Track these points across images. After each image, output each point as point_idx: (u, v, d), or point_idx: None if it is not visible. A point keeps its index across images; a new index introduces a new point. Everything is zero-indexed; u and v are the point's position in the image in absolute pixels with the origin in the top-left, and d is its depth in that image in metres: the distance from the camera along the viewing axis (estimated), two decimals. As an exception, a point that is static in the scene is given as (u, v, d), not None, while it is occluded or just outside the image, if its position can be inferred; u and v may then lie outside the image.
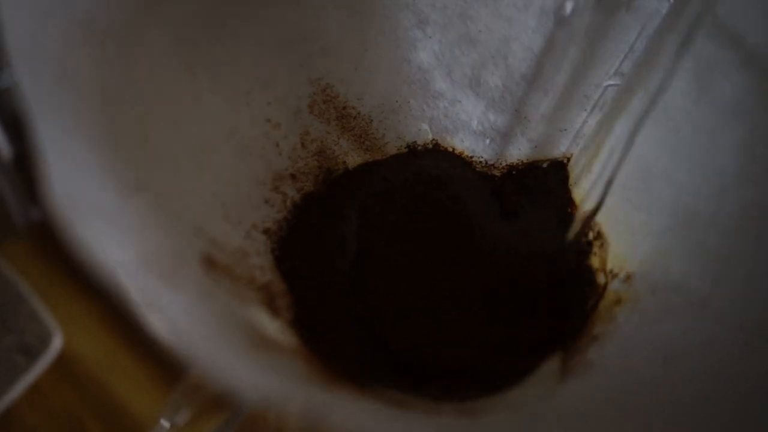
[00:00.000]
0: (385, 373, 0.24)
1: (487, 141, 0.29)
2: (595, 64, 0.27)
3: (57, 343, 0.45)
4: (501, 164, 0.29)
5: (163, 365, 0.45)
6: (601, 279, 0.26)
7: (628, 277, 0.24)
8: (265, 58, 0.27)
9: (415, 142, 0.30)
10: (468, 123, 0.29)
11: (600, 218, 0.27)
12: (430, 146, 0.29)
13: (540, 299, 0.25)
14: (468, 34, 0.28)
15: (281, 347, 0.21)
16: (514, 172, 0.29)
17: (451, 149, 0.30)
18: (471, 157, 0.29)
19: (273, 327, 0.23)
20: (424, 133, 0.30)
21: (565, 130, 0.29)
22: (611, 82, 0.28)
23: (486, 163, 0.29)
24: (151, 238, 0.19)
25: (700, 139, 0.23)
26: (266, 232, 0.27)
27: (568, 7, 0.27)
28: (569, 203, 0.28)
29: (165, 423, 0.27)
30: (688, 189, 0.23)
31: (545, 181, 0.29)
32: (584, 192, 0.27)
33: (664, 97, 0.25)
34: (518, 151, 0.29)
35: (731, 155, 0.22)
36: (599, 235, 0.26)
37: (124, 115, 0.22)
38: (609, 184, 0.26)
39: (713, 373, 0.18)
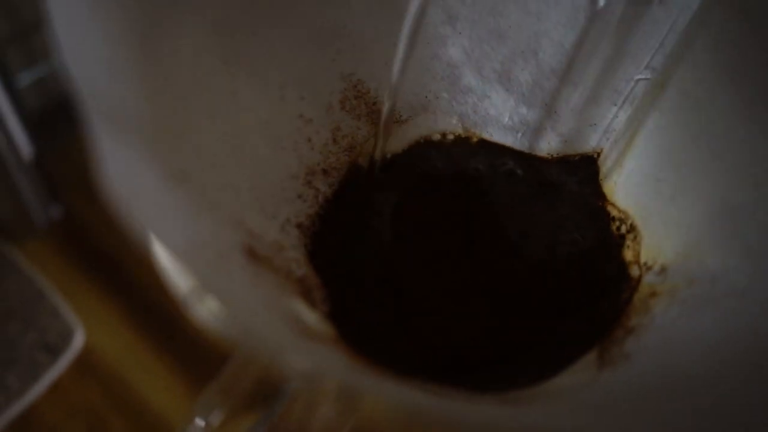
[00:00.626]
0: (422, 365, 0.24)
1: (519, 135, 0.29)
2: (625, 59, 0.28)
3: (78, 341, 0.45)
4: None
5: (184, 361, 0.45)
6: (635, 272, 0.26)
7: (663, 270, 0.25)
8: (299, 52, 0.27)
9: (445, 135, 0.30)
10: (497, 118, 0.29)
11: (633, 211, 0.27)
12: (461, 140, 0.30)
13: (574, 292, 0.26)
14: (497, 30, 0.28)
15: (322, 338, 0.22)
16: (545, 166, 0.29)
17: (481, 143, 0.30)
18: (502, 150, 0.29)
19: (312, 318, 0.23)
20: (454, 128, 0.30)
21: (596, 124, 0.29)
22: (642, 76, 0.28)
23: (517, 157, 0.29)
24: (198, 226, 0.19)
25: (735, 131, 0.24)
26: (299, 226, 0.27)
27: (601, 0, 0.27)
28: (600, 197, 0.28)
29: (200, 422, 0.27)
30: (723, 180, 0.23)
31: (576, 176, 0.29)
32: (615, 186, 0.27)
33: (697, 89, 0.25)
34: (548, 146, 0.29)
35: (765, 148, 0.22)
36: (632, 228, 0.26)
37: (165, 107, 0.22)
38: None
39: (756, 363, 0.18)
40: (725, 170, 0.24)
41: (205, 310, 0.16)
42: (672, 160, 0.25)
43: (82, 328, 0.45)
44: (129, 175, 0.17)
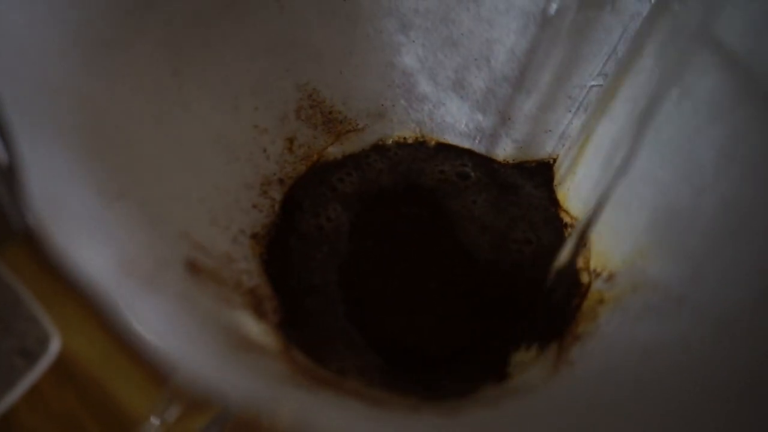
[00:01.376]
0: (370, 373, 0.24)
1: (475, 141, 0.29)
2: (578, 65, 0.28)
3: (55, 346, 0.45)
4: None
5: (159, 366, 0.45)
6: (585, 278, 0.26)
7: (611, 277, 0.25)
8: (252, 63, 0.27)
9: (403, 143, 0.30)
10: (453, 125, 0.30)
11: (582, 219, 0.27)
12: (418, 147, 0.30)
13: (524, 299, 0.26)
14: (451, 38, 0.28)
15: (265, 350, 0.22)
16: (500, 172, 0.29)
17: (438, 147, 0.30)
18: (458, 153, 0.29)
19: (258, 330, 0.23)
20: (410, 135, 0.30)
21: (551, 130, 0.29)
22: (595, 83, 0.28)
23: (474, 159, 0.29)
24: (133, 244, 0.19)
25: (681, 139, 0.24)
26: (254, 236, 0.27)
27: (553, 7, 0.27)
28: (554, 203, 0.28)
29: (155, 420, 0.27)
30: (669, 188, 0.24)
31: (531, 180, 0.29)
32: (568, 193, 0.28)
33: (644, 98, 0.25)
34: (504, 152, 0.30)
35: (711, 155, 0.23)
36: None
37: (108, 121, 0.22)
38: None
39: (689, 368, 0.19)
40: (669, 177, 0.24)
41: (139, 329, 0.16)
42: (620, 167, 0.25)
43: (59, 334, 0.45)
44: (58, 194, 0.18)
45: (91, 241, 0.17)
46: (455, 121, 0.30)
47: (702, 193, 0.22)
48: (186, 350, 0.16)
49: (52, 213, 0.17)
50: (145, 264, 0.18)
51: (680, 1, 0.24)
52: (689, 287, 0.21)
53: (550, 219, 0.28)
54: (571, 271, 0.26)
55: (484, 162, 0.30)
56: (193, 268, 0.22)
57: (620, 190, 0.25)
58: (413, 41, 0.29)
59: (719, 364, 0.18)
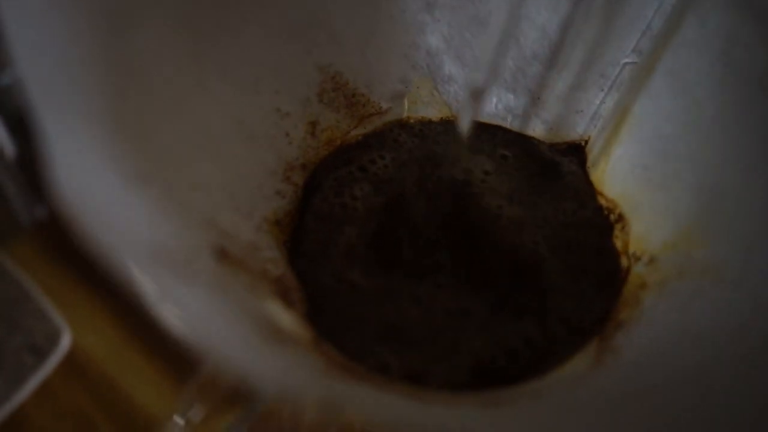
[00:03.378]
0: (402, 367, 0.23)
1: (506, 122, 0.28)
2: (611, 42, 0.27)
3: (65, 342, 0.44)
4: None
5: (173, 362, 0.45)
6: (624, 262, 0.25)
7: (652, 260, 0.24)
8: (273, 45, 0.26)
9: (429, 123, 0.29)
10: (481, 106, 0.29)
11: (620, 200, 0.26)
12: (443, 129, 0.29)
13: (562, 285, 0.25)
14: (477, 16, 0.27)
15: (297, 340, 0.21)
16: (530, 155, 0.28)
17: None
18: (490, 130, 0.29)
19: (288, 319, 0.22)
20: (435, 117, 0.29)
21: (582, 111, 0.28)
22: (629, 60, 0.27)
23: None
24: (163, 230, 0.18)
25: (725, 117, 0.23)
26: (278, 223, 0.26)
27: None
28: (587, 186, 0.27)
29: (179, 420, 0.26)
30: (713, 168, 0.23)
31: (562, 164, 0.28)
32: (603, 175, 0.27)
33: (687, 74, 0.24)
34: (534, 133, 0.29)
35: (757, 133, 0.22)
36: (620, 218, 0.26)
37: (129, 105, 0.21)
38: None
39: (747, 356, 0.18)
40: (714, 156, 0.23)
41: (170, 318, 0.15)
42: (660, 147, 0.24)
43: (69, 330, 0.44)
44: (84, 179, 0.17)
45: (121, 226, 0.16)
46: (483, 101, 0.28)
47: (749, 173, 0.21)
48: (218, 339, 0.15)
49: (79, 197, 0.16)
50: (175, 250, 0.17)
51: (723, -28, 0.23)
52: (743, 271, 0.20)
53: (588, 200, 0.27)
54: (609, 253, 0.25)
55: (518, 139, 0.29)
56: (222, 255, 0.21)
57: (660, 171, 0.24)
58: (438, 20, 0.28)
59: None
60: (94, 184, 0.17)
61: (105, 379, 0.44)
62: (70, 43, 0.19)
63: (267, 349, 0.18)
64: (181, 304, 0.15)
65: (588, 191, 0.27)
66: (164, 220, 0.19)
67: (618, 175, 0.26)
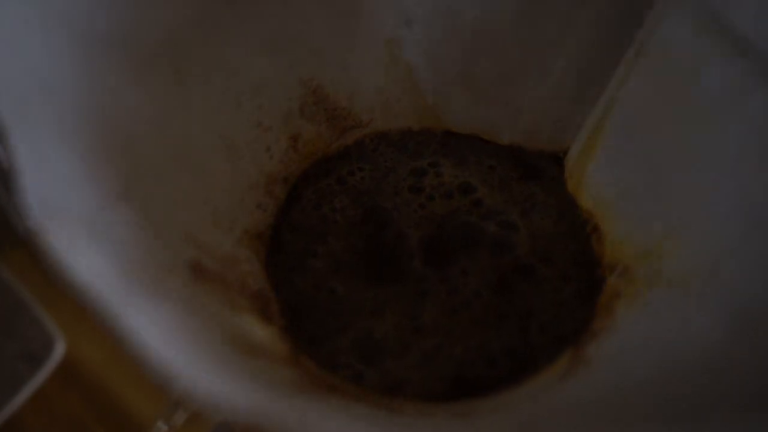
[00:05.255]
0: (378, 378, 0.23)
1: (488, 132, 0.29)
2: (587, 54, 0.27)
3: (60, 350, 0.45)
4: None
5: (161, 376, 0.45)
6: (599, 273, 0.25)
7: (626, 271, 0.24)
8: (254, 60, 0.27)
9: (410, 134, 0.29)
10: (460, 116, 0.29)
11: (596, 210, 0.26)
12: (423, 140, 0.29)
13: (543, 295, 0.25)
14: (455, 28, 0.28)
15: (272, 355, 0.21)
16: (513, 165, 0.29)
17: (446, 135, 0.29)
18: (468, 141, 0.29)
19: (265, 334, 0.22)
20: (416, 128, 0.29)
21: (560, 121, 0.28)
22: (606, 72, 0.27)
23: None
24: (137, 247, 0.19)
25: (695, 130, 0.23)
26: (259, 236, 0.26)
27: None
28: (566, 197, 0.27)
29: (162, 425, 0.27)
30: (683, 180, 0.23)
31: (545, 174, 0.28)
32: (578, 186, 0.27)
33: (657, 88, 0.24)
34: (514, 143, 0.29)
35: (726, 145, 0.22)
36: (595, 228, 0.26)
37: (109, 121, 0.22)
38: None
39: (710, 367, 0.18)
40: (684, 170, 0.23)
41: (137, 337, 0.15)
42: (631, 159, 0.25)
43: (63, 338, 0.45)
44: (57, 199, 0.17)
45: (92, 244, 0.17)
46: (462, 112, 0.29)
47: (719, 185, 0.22)
48: (189, 359, 0.15)
49: (50, 216, 0.16)
50: (148, 268, 0.18)
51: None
52: (708, 283, 0.20)
53: (563, 214, 0.27)
54: (588, 264, 0.26)
55: (500, 150, 0.29)
56: (198, 270, 0.21)
57: (631, 183, 0.25)
58: (417, 34, 0.28)
59: (740, 363, 0.17)
60: (68, 201, 0.17)
61: (99, 386, 0.45)
62: (48, 62, 0.20)
63: (239, 366, 0.18)
64: (151, 323, 0.16)
65: (568, 201, 0.27)
66: (140, 237, 0.19)
67: (593, 185, 0.26)
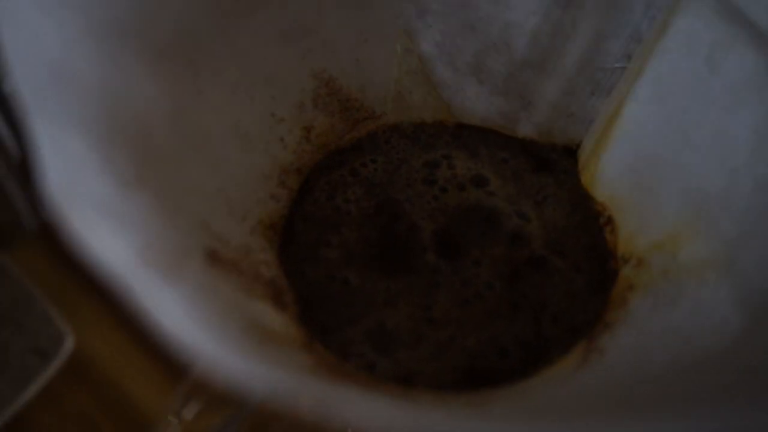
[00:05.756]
0: (391, 369, 0.23)
1: (501, 126, 0.29)
2: (600, 47, 0.27)
3: (69, 345, 0.45)
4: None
5: (177, 364, 0.45)
6: (612, 264, 0.25)
7: (640, 262, 0.24)
8: (268, 51, 0.27)
9: (422, 126, 0.29)
10: (473, 110, 0.29)
11: (609, 203, 0.26)
12: (435, 132, 0.29)
13: (556, 287, 0.25)
14: (468, 22, 0.28)
15: (288, 341, 0.21)
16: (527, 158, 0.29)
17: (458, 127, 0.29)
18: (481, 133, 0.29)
19: (280, 321, 0.22)
20: (429, 121, 0.29)
21: (573, 114, 0.28)
22: (618, 65, 0.27)
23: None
24: (154, 233, 0.19)
25: (711, 120, 0.23)
26: (272, 227, 0.26)
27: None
28: (579, 189, 0.27)
29: (173, 419, 0.27)
30: (698, 170, 0.23)
31: (558, 166, 0.28)
32: (592, 179, 0.27)
33: (672, 80, 0.24)
34: (527, 136, 0.29)
35: (743, 135, 0.22)
36: (609, 221, 0.26)
37: (125, 109, 0.22)
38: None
39: (724, 355, 0.18)
40: (700, 159, 0.23)
41: (158, 320, 0.15)
42: (647, 150, 0.25)
43: (73, 332, 0.45)
44: (76, 184, 0.17)
45: (109, 229, 0.17)
46: (474, 106, 0.29)
47: (735, 175, 0.22)
48: (208, 340, 0.15)
49: (69, 201, 0.16)
50: (165, 253, 0.18)
51: (707, -23, 0.23)
52: (724, 273, 0.20)
53: (576, 206, 0.27)
54: (601, 256, 0.26)
55: (513, 143, 0.29)
56: (213, 257, 0.21)
57: (646, 174, 0.25)
58: (430, 26, 0.28)
59: (755, 351, 0.17)
60: (86, 189, 0.17)
61: (109, 382, 0.45)
62: (65, 51, 0.20)
63: (256, 350, 0.18)
64: (168, 306, 0.16)
65: (581, 194, 0.27)
66: (156, 223, 0.19)
67: (607, 178, 0.26)
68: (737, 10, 0.23)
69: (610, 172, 0.26)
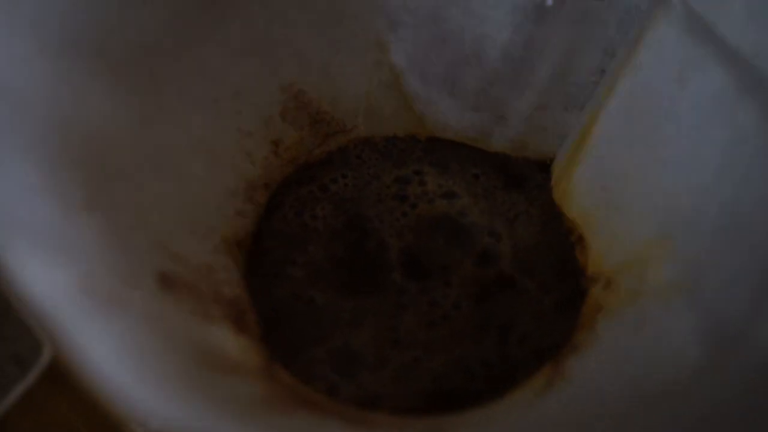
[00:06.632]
0: (354, 392, 0.23)
1: (473, 140, 0.28)
2: (574, 62, 0.27)
3: (48, 353, 0.45)
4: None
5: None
6: (582, 284, 0.25)
7: (609, 283, 0.24)
8: (234, 65, 0.26)
9: (394, 140, 0.29)
10: (445, 124, 0.29)
11: (580, 220, 0.26)
12: (407, 147, 0.29)
13: (525, 308, 0.25)
14: (440, 35, 0.27)
15: (243, 368, 0.21)
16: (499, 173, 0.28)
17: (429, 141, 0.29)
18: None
19: (239, 344, 0.22)
20: (401, 134, 0.29)
21: (547, 129, 0.28)
22: (592, 79, 0.27)
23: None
24: (98, 260, 0.18)
25: (681, 139, 0.22)
26: (238, 244, 0.26)
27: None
28: (550, 206, 0.27)
29: (138, 429, 0.26)
30: (667, 190, 0.22)
31: (531, 182, 0.28)
32: (564, 194, 0.26)
33: (643, 96, 0.24)
34: (500, 150, 0.28)
35: (712, 155, 0.21)
36: (580, 239, 0.25)
37: (78, 129, 0.21)
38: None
39: (682, 390, 0.18)
40: (669, 179, 0.23)
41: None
42: (617, 168, 0.24)
43: (50, 341, 0.44)
44: (12, 206, 0.17)
45: (47, 258, 0.16)
46: (447, 120, 0.28)
47: (702, 196, 0.21)
48: (137, 381, 0.15)
49: (8, 230, 0.16)
50: (108, 280, 0.17)
51: (679, -8, 0.23)
52: (688, 299, 0.20)
53: (549, 222, 0.27)
54: (572, 275, 0.25)
55: (486, 157, 0.28)
56: (166, 280, 0.21)
57: (617, 192, 0.24)
58: (402, 39, 0.28)
59: (711, 390, 0.17)
60: (25, 214, 0.17)
61: (86, 389, 0.44)
62: (11, 71, 0.19)
63: (196, 386, 0.18)
64: (103, 340, 0.15)
65: (552, 211, 0.27)
66: (103, 248, 0.19)
67: (578, 195, 0.26)
68: (707, 27, 0.22)
69: (582, 188, 0.26)
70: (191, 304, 0.21)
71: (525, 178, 0.28)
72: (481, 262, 0.26)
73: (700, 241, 0.21)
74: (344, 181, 0.28)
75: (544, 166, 0.28)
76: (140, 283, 0.19)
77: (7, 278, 0.15)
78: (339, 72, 0.28)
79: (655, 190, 0.23)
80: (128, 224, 0.21)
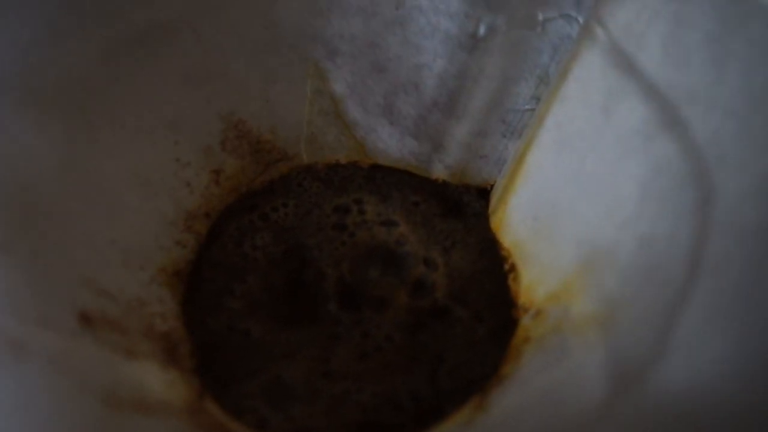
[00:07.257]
0: (285, 425, 0.23)
1: (413, 167, 0.28)
2: (509, 89, 0.27)
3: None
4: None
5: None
6: (513, 314, 0.25)
7: (538, 313, 0.24)
8: (170, 95, 0.26)
9: (336, 168, 0.29)
10: (386, 151, 0.29)
11: (513, 249, 0.26)
12: (349, 174, 0.29)
13: (457, 338, 0.25)
14: (378, 63, 0.27)
15: (168, 407, 0.21)
16: (438, 200, 0.28)
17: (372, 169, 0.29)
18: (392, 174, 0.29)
19: (164, 380, 0.22)
20: (343, 162, 0.29)
21: (486, 156, 0.28)
22: (528, 107, 0.27)
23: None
24: (9, 303, 0.18)
25: (603, 171, 0.23)
26: (177, 274, 0.26)
27: (482, 29, 0.26)
28: (487, 234, 0.27)
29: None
30: (590, 222, 0.22)
31: (469, 209, 0.28)
32: (500, 222, 0.27)
33: (570, 127, 0.24)
34: (439, 177, 0.28)
35: (631, 188, 0.21)
36: (513, 268, 0.25)
37: (0, 168, 0.21)
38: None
39: (587, 427, 0.18)
40: (592, 211, 0.23)
41: None
42: (546, 198, 0.24)
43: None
44: None
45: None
46: (387, 147, 0.28)
47: (621, 230, 0.21)
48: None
49: None
50: (11, 326, 0.17)
51: (601, 25, 0.23)
52: (602, 334, 0.20)
53: (485, 249, 0.27)
54: (504, 305, 0.25)
55: (426, 185, 0.29)
56: (87, 319, 0.21)
57: (546, 223, 0.24)
58: (340, 67, 0.28)
59: (615, 423, 0.17)
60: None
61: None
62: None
63: (112, 426, 0.18)
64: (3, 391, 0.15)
65: (489, 239, 0.27)
66: (12, 290, 0.19)
67: (512, 224, 0.26)
68: (628, 59, 0.22)
69: (516, 217, 0.26)
70: (114, 341, 0.21)
71: (464, 205, 0.28)
72: (416, 292, 0.26)
73: (617, 275, 0.21)
74: (285, 210, 0.28)
75: (484, 193, 0.28)
76: (56, 323, 0.19)
77: None
78: (279, 100, 0.28)
79: (581, 222, 0.23)
80: (49, 263, 0.21)
